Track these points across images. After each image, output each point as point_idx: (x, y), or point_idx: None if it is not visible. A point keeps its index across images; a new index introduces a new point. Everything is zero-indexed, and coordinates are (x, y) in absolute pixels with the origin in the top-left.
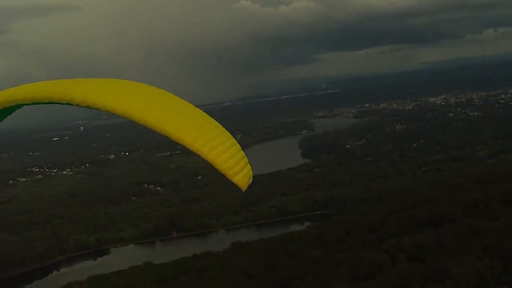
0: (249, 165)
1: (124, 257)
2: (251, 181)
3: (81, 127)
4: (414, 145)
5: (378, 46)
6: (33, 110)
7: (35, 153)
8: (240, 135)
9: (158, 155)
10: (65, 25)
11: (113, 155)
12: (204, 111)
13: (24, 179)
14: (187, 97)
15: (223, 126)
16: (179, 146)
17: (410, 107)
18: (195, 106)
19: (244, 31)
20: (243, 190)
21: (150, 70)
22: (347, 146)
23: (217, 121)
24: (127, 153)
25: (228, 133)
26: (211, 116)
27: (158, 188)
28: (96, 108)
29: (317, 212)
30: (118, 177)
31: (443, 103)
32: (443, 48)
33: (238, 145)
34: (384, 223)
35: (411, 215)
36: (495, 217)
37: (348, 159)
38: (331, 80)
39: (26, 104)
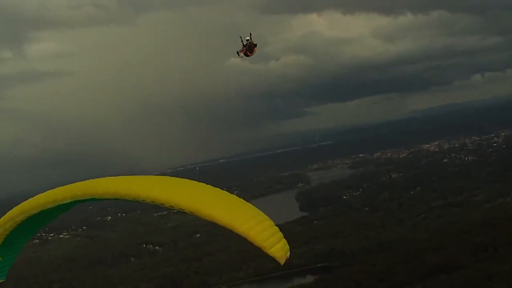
0: (284, 239)
1: None
2: (288, 254)
3: None
4: (411, 192)
5: (368, 96)
6: (29, 174)
7: None
8: (236, 191)
9: (155, 214)
10: (58, 90)
11: (110, 217)
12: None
13: None
14: (183, 154)
15: (220, 183)
16: None
17: (404, 155)
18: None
19: (235, 88)
20: (281, 263)
21: (145, 129)
22: (344, 197)
23: (214, 178)
24: (124, 214)
25: (264, 214)
26: (209, 173)
27: (157, 248)
28: (161, 204)
29: (319, 265)
30: (116, 239)
31: (436, 149)
32: (432, 95)
33: (272, 222)
34: (393, 272)
35: (420, 262)
36: (506, 260)
37: (346, 210)
38: (324, 132)
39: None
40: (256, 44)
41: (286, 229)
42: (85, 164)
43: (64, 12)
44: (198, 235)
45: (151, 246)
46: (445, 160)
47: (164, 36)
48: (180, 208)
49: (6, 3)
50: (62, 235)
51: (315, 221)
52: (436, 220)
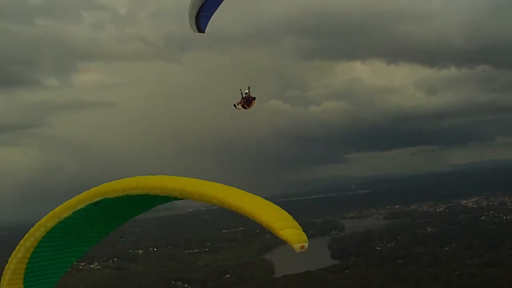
0: (303, 233)
1: None
2: (305, 245)
3: None
4: (447, 248)
5: (408, 147)
6: (63, 201)
7: None
8: (269, 234)
9: (186, 251)
10: (99, 120)
11: (141, 250)
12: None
13: None
14: None
15: (254, 224)
16: (207, 243)
17: (441, 209)
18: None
19: (274, 130)
20: (297, 250)
21: (182, 166)
22: (378, 248)
23: (248, 218)
24: (155, 249)
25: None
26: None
27: (186, 285)
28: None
29: None
30: (145, 273)
31: (475, 206)
32: (473, 150)
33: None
34: None
35: None
36: None
37: (379, 261)
38: (361, 180)
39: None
40: (254, 97)
41: (317, 276)
42: None
43: (112, 46)
44: (228, 275)
45: (180, 283)
46: (483, 218)
47: (207, 74)
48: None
49: (58, 34)
50: (93, 265)
51: (347, 270)
52: (471, 278)
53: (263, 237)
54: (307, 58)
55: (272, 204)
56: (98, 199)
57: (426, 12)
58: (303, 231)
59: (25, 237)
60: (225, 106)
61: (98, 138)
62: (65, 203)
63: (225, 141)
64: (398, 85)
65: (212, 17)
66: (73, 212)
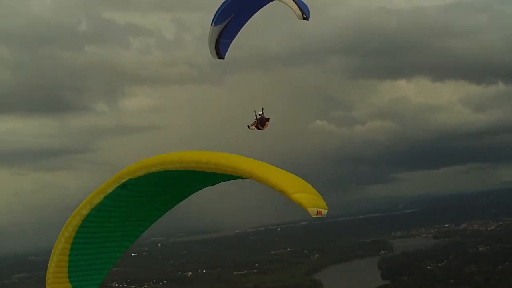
0: (322, 200)
1: None
2: (323, 211)
3: (159, 244)
4: (500, 267)
5: (456, 165)
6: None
7: (115, 269)
8: (317, 255)
9: (235, 273)
10: (146, 144)
11: (190, 272)
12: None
13: None
14: (265, 214)
15: (301, 245)
16: (256, 264)
17: (493, 227)
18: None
19: (320, 150)
20: (311, 214)
21: (227, 188)
22: (428, 267)
23: (295, 240)
24: (204, 271)
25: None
26: (290, 234)
27: None
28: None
29: None
30: None
31: None
32: None
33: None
34: None
35: None
36: None
37: (430, 281)
38: (409, 200)
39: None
40: (268, 119)
41: None
42: (168, 219)
43: (159, 69)
44: None
45: None
46: None
47: (251, 96)
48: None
49: (107, 60)
50: (143, 287)
51: None
52: None
53: (312, 258)
54: (351, 78)
55: (290, 173)
56: (123, 181)
57: (471, 28)
58: (323, 200)
59: (63, 227)
60: (270, 128)
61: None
62: (96, 189)
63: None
64: (444, 102)
65: (256, 38)
66: (104, 197)
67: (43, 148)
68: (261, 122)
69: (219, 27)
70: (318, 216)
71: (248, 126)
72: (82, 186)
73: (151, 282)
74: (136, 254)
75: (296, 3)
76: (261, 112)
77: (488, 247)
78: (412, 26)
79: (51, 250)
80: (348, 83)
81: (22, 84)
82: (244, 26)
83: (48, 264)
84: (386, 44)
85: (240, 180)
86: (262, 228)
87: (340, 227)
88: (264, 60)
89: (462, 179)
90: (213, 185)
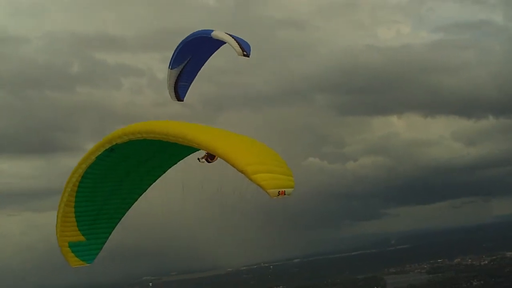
0: (289, 178)
1: None
2: (287, 191)
3: (150, 283)
4: None
5: (449, 200)
6: (105, 266)
7: None
8: None
9: None
10: None
11: None
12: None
13: None
14: (257, 253)
15: (294, 283)
16: None
17: (486, 262)
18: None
19: (312, 187)
20: (271, 196)
21: (218, 226)
22: None
23: (288, 277)
24: None
25: (277, 156)
26: (283, 272)
27: None
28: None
29: None
30: None
31: None
32: None
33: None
34: None
35: None
36: None
37: None
38: (401, 235)
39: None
40: None
41: None
42: (161, 258)
43: (150, 109)
44: None
45: None
46: None
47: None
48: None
49: (98, 100)
50: None
51: None
52: None
53: None
54: (342, 114)
55: (259, 146)
56: (109, 146)
57: (459, 64)
58: (291, 176)
59: (66, 183)
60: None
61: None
62: (88, 151)
63: (263, 201)
64: (436, 137)
65: (244, 77)
66: (96, 158)
67: (32, 189)
68: (210, 156)
69: (176, 70)
70: (280, 196)
71: (198, 159)
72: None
73: None
74: None
75: (236, 42)
76: None
77: (482, 282)
78: (401, 63)
79: None
80: (338, 120)
81: (12, 126)
82: (235, 65)
83: (56, 216)
84: (375, 81)
85: (227, 221)
86: (255, 266)
87: (333, 264)
88: (253, 99)
89: (454, 213)
90: (182, 158)
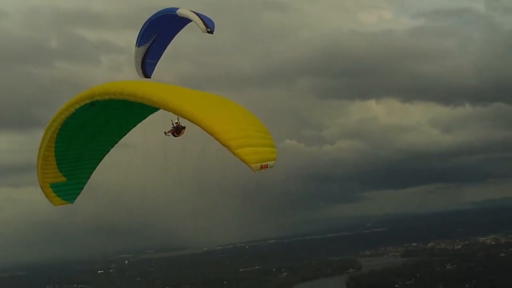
0: (272, 149)
1: None
2: (269, 163)
3: (126, 261)
4: (467, 285)
5: (424, 185)
6: (83, 242)
7: (80, 285)
8: (286, 273)
9: None
10: (116, 160)
11: None
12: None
13: None
14: (233, 233)
15: (269, 264)
16: (224, 282)
17: (459, 246)
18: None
19: (288, 169)
20: (253, 170)
21: (195, 206)
22: (396, 285)
23: (263, 258)
24: None
25: (259, 123)
26: (258, 252)
27: None
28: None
29: None
30: None
31: (493, 243)
32: (490, 188)
33: (266, 134)
34: None
35: None
36: None
37: None
38: (377, 219)
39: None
40: (184, 127)
41: None
42: (138, 236)
43: None
44: None
45: None
46: (502, 254)
47: None
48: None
49: (78, 76)
50: None
51: None
52: None
53: (280, 276)
54: (321, 98)
55: (239, 111)
56: (90, 101)
57: (439, 51)
58: (273, 147)
59: (45, 129)
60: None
61: (114, 178)
62: (68, 102)
63: (240, 182)
64: (413, 123)
65: (227, 58)
66: (76, 109)
67: (10, 163)
68: (177, 130)
69: (143, 48)
70: (262, 170)
71: (165, 132)
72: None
73: None
74: (102, 271)
75: (201, 19)
76: (177, 121)
77: (455, 266)
78: (382, 48)
79: (18, 266)
80: (317, 103)
81: None
82: (216, 46)
83: (36, 160)
84: (356, 66)
85: (204, 200)
86: (231, 246)
87: (309, 246)
88: (235, 80)
89: (429, 198)
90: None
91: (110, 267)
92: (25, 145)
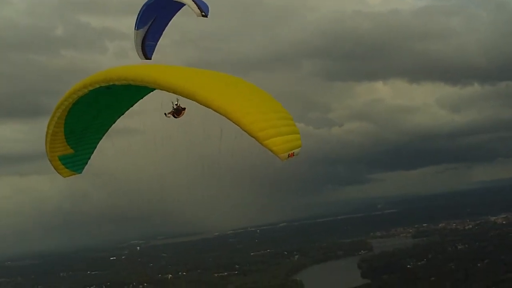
0: (296, 135)
1: None
2: (296, 151)
3: (138, 247)
4: (478, 265)
5: (433, 166)
6: (94, 230)
7: (94, 272)
8: (297, 256)
9: (216, 275)
10: (125, 146)
11: (170, 275)
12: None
13: None
14: (244, 217)
15: (280, 247)
16: (236, 266)
17: (470, 226)
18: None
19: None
20: (281, 159)
21: (205, 191)
22: (408, 266)
23: (274, 241)
24: (184, 273)
25: (281, 108)
26: (269, 236)
27: None
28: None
29: None
30: None
31: (504, 222)
32: (500, 167)
33: (290, 120)
34: None
35: None
36: None
37: (411, 279)
38: (387, 200)
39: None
40: (184, 108)
41: None
42: (148, 223)
43: None
44: None
45: None
46: None
47: None
48: (177, 92)
49: (83, 63)
50: None
51: None
52: None
53: (292, 259)
54: (328, 80)
55: (263, 98)
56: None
57: (446, 31)
58: (298, 133)
59: (55, 107)
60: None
61: (123, 165)
62: (83, 82)
63: (248, 165)
64: (421, 104)
65: (231, 43)
66: (89, 91)
67: (17, 153)
68: (177, 111)
69: (142, 31)
70: (289, 158)
71: (165, 113)
72: (56, 190)
73: (131, 285)
74: (115, 258)
75: (194, 2)
76: (177, 103)
77: (466, 245)
78: (388, 29)
79: (28, 255)
80: (324, 86)
81: None
82: (220, 30)
83: (45, 135)
84: (362, 47)
85: (211, 183)
86: (241, 230)
87: (319, 228)
88: (239, 65)
89: (438, 179)
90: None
91: (122, 254)
92: (30, 134)
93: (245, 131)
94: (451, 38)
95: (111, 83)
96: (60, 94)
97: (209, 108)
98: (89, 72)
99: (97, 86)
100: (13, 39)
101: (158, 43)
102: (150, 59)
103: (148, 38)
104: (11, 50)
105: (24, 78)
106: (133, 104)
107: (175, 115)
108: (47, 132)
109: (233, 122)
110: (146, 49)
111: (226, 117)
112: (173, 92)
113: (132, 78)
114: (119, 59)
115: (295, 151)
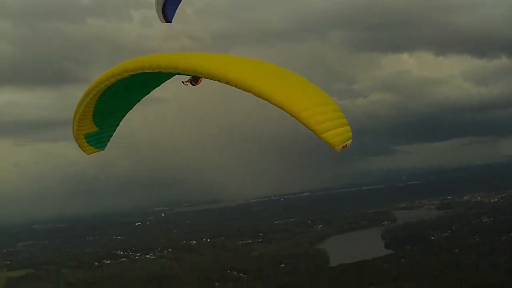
0: (347, 127)
1: None
2: (349, 142)
3: (163, 213)
4: (504, 238)
5: (459, 138)
6: (121, 194)
7: (119, 237)
8: (321, 225)
9: (240, 242)
10: (148, 116)
11: (195, 241)
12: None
13: (109, 262)
14: (268, 185)
15: (304, 216)
16: (260, 234)
17: (496, 199)
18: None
19: None
20: (337, 151)
21: (229, 159)
22: (432, 237)
23: (298, 210)
24: (208, 240)
25: (330, 100)
26: (293, 205)
27: (241, 274)
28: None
29: None
30: (200, 263)
31: None
32: None
33: (336, 106)
34: None
35: None
36: None
37: (435, 250)
38: (412, 172)
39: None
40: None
41: (373, 265)
42: (172, 190)
43: (161, 43)
44: (282, 265)
45: (235, 272)
46: None
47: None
48: (234, 85)
49: (109, 32)
50: (148, 255)
51: (402, 259)
52: None
53: (315, 228)
54: (353, 51)
55: (314, 91)
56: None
57: (473, 2)
58: (347, 125)
59: (92, 86)
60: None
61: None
62: (124, 67)
63: (274, 135)
64: (447, 76)
65: (257, 12)
66: (130, 75)
67: (44, 119)
68: (194, 79)
69: None
70: (343, 149)
71: (182, 82)
72: (82, 156)
73: (156, 251)
74: (140, 224)
75: None
76: None
77: (491, 219)
78: (414, 0)
79: (54, 219)
80: (349, 57)
81: (23, 56)
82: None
83: (74, 113)
84: (388, 18)
85: (239, 155)
86: (265, 199)
87: (344, 198)
88: (266, 35)
89: (464, 152)
90: None
91: (148, 220)
92: (58, 100)
93: (303, 124)
94: (478, 9)
95: (157, 71)
96: (85, 62)
97: (266, 100)
98: (115, 41)
99: (140, 71)
100: (41, 8)
101: (179, 7)
102: (171, 22)
103: (169, 2)
104: (39, 19)
105: (51, 46)
106: (162, 83)
107: (193, 83)
108: (76, 111)
109: (292, 116)
110: (167, 12)
111: (284, 110)
112: (228, 84)
113: (183, 68)
114: (144, 27)
115: (348, 142)
